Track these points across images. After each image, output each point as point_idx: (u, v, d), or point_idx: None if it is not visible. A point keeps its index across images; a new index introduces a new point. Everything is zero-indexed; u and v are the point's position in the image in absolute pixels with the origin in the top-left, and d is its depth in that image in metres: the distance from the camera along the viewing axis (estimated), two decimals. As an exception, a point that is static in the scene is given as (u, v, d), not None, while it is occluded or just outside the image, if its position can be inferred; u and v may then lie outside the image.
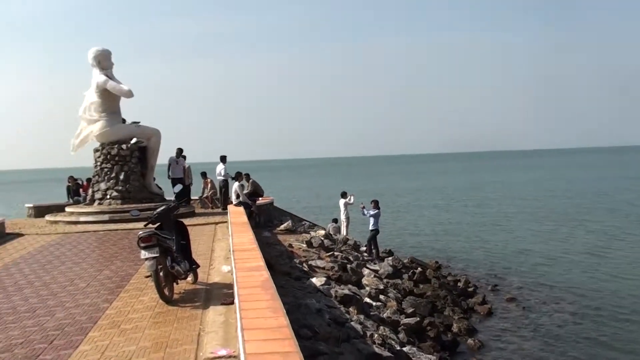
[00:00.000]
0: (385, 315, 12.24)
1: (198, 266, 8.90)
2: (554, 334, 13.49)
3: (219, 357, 5.61)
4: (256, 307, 5.93)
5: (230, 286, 8.32)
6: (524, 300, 16.46)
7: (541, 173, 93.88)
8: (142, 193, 18.88)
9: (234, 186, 18.38)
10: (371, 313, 11.73)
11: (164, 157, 20.11)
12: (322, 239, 17.18)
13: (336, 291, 11.43)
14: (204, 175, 21.91)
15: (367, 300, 12.74)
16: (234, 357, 5.55)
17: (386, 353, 9.06)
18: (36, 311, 7.62)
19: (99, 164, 18.96)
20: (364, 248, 19.56)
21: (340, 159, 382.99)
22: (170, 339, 6.23)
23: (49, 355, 5.88)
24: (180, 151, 20.51)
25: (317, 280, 11.89)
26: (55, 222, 18.16)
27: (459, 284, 17.57)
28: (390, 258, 18.23)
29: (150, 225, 8.34)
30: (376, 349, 9.01)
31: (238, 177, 18.66)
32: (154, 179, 19.86)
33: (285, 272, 12.02)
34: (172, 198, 10.35)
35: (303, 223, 20.87)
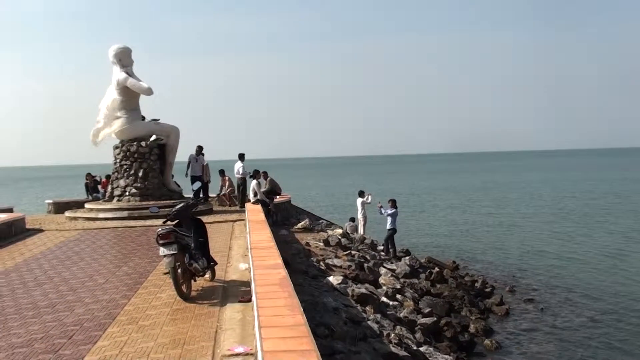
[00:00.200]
0: (402, 314, 12.21)
1: (216, 263, 8.92)
2: (571, 337, 13.36)
3: (236, 355, 5.62)
4: (274, 304, 5.93)
5: (247, 284, 8.33)
6: (542, 301, 16.32)
7: (554, 174, 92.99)
8: (161, 190, 18.97)
9: (252, 184, 18.41)
10: (388, 312, 11.71)
11: (181, 155, 20.21)
12: (339, 237, 17.15)
13: (353, 290, 11.41)
14: (221, 173, 21.96)
15: (384, 299, 12.71)
16: (251, 354, 5.55)
17: (403, 352, 9.04)
18: (55, 306, 7.69)
19: (118, 160, 19.09)
20: (381, 247, 19.51)
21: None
22: (187, 336, 6.26)
23: (69, 350, 5.93)
24: (200, 149, 20.56)
25: (334, 279, 11.88)
26: (75, 218, 18.35)
27: (476, 284, 17.47)
28: (407, 257, 18.17)
29: (168, 222, 8.38)
30: (393, 349, 8.99)
31: (256, 175, 18.69)
32: (172, 176, 19.96)
33: (302, 270, 12.02)
34: (191, 195, 10.41)
35: (320, 221, 20.86)
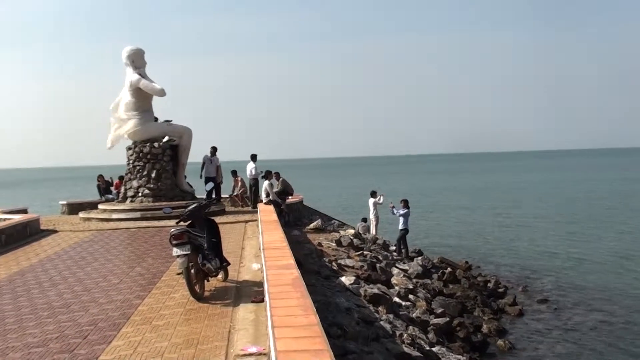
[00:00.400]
0: (414, 315, 12.19)
1: (228, 264, 8.95)
2: (585, 338, 13.26)
3: (250, 354, 5.64)
4: (286, 305, 5.95)
5: (260, 284, 8.36)
6: (555, 301, 16.23)
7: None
8: (174, 191, 19.05)
9: (264, 185, 18.46)
10: (400, 313, 11.69)
11: (192, 156, 20.26)
12: (352, 238, 17.15)
13: (365, 290, 11.41)
14: (234, 173, 22.03)
15: (397, 299, 12.69)
16: (264, 354, 5.57)
17: (415, 353, 9.02)
18: (70, 307, 7.76)
19: (131, 162, 19.20)
20: (393, 247, 19.48)
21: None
22: (201, 336, 6.29)
23: (83, 350, 5.98)
24: (214, 150, 20.62)
25: (347, 279, 11.88)
26: (89, 219, 18.48)
27: (489, 284, 17.40)
28: (419, 258, 18.13)
29: (182, 223, 8.43)
30: (405, 349, 8.98)
31: (268, 175, 18.73)
32: (185, 177, 20.05)
33: (314, 270, 12.03)
34: (204, 196, 10.44)
35: (332, 222, 20.88)
